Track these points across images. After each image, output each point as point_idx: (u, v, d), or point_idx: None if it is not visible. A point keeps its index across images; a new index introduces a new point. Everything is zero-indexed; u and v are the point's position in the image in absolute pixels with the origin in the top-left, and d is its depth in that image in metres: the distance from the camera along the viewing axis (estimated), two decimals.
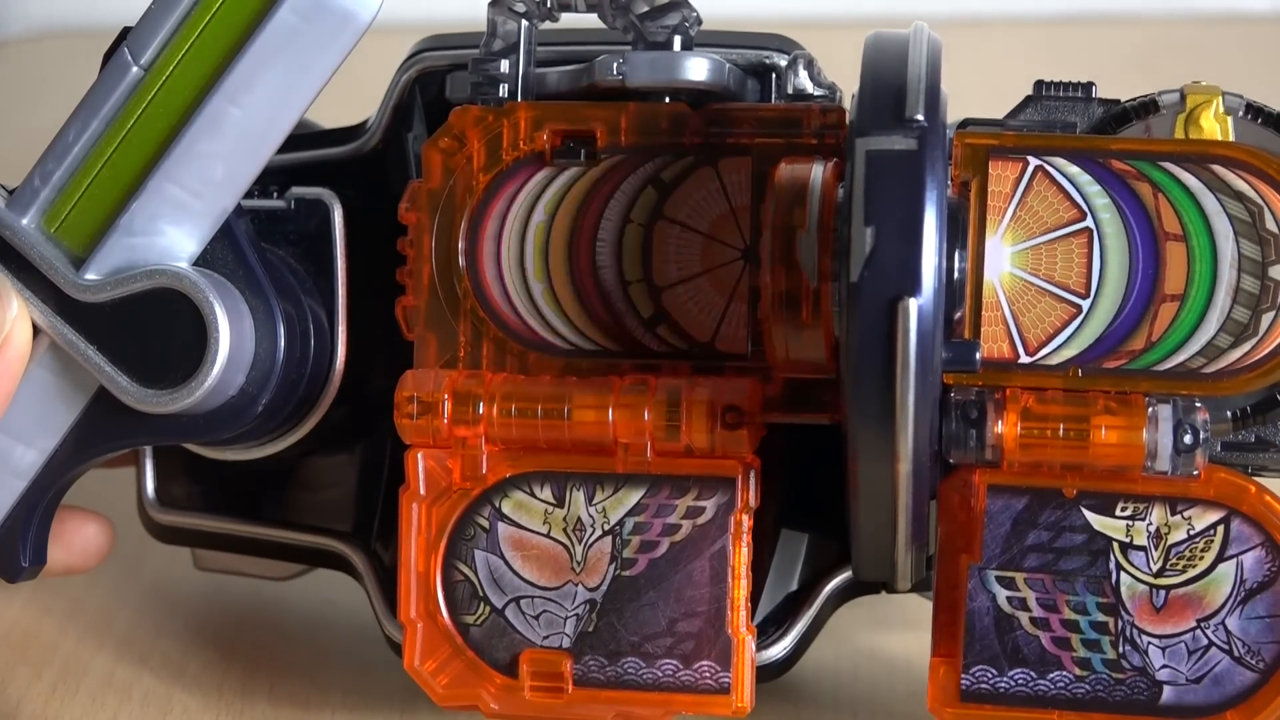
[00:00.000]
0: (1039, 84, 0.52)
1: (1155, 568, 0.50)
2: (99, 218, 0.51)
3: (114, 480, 0.61)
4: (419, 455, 0.52)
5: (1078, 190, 0.50)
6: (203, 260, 0.52)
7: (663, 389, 0.51)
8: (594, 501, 0.52)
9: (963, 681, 0.51)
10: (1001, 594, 0.51)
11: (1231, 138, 0.51)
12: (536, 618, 0.52)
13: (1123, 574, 0.50)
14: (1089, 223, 0.50)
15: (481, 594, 0.52)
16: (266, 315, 0.52)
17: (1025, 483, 0.50)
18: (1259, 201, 0.49)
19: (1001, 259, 0.50)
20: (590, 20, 0.54)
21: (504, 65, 0.53)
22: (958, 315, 0.50)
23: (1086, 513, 0.50)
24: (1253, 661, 0.50)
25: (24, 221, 0.51)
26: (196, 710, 0.57)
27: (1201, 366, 0.50)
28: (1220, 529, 0.50)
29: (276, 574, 0.60)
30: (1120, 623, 0.50)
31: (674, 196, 0.53)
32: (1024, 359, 0.50)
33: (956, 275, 0.49)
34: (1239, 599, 0.50)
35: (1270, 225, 0.49)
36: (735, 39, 0.54)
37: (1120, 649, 0.50)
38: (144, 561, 0.64)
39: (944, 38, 0.50)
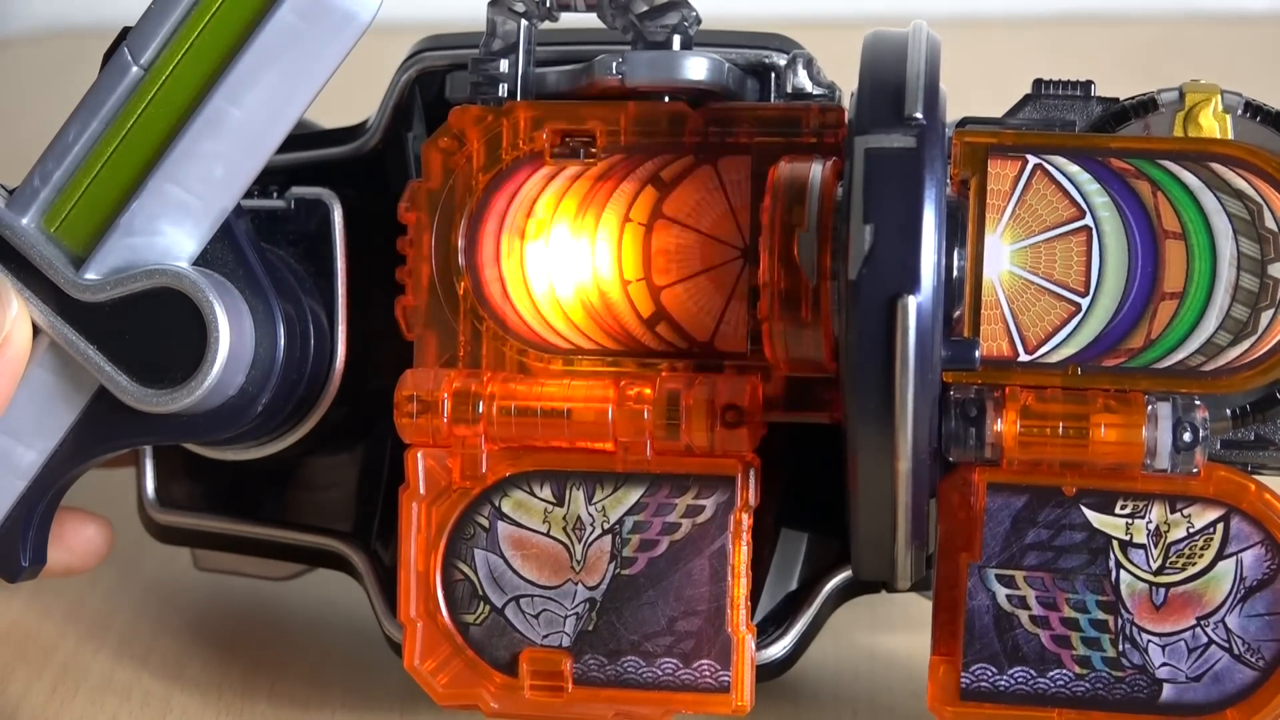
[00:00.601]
0: (1038, 82, 0.52)
1: (1155, 566, 0.50)
2: (99, 217, 0.51)
3: (114, 480, 0.62)
4: (419, 455, 0.52)
5: (1077, 188, 0.50)
6: (202, 260, 0.52)
7: (662, 388, 0.51)
8: (594, 500, 0.52)
9: (962, 680, 0.51)
10: (1001, 592, 0.51)
11: (1230, 136, 0.51)
12: (536, 617, 0.52)
13: (1122, 572, 0.50)
14: (1088, 221, 0.50)
15: (481, 593, 0.52)
16: (266, 315, 0.52)
17: (1025, 481, 0.50)
18: (1258, 199, 0.49)
19: (1001, 257, 0.50)
20: (590, 20, 0.54)
21: (503, 65, 0.53)
22: (957, 313, 0.50)
23: (1086, 511, 0.50)
24: (1252, 659, 0.50)
25: (24, 221, 0.51)
26: (196, 710, 0.57)
27: (1201, 364, 0.50)
28: (1220, 527, 0.50)
29: (276, 574, 0.60)
30: (1120, 621, 0.50)
31: (673, 195, 0.53)
32: (1023, 357, 0.50)
33: (956, 273, 0.49)
34: (1239, 597, 0.50)
35: (1269, 223, 0.49)
36: (734, 38, 0.54)
37: (1120, 647, 0.50)
38: (144, 561, 0.64)
39: (944, 37, 0.50)
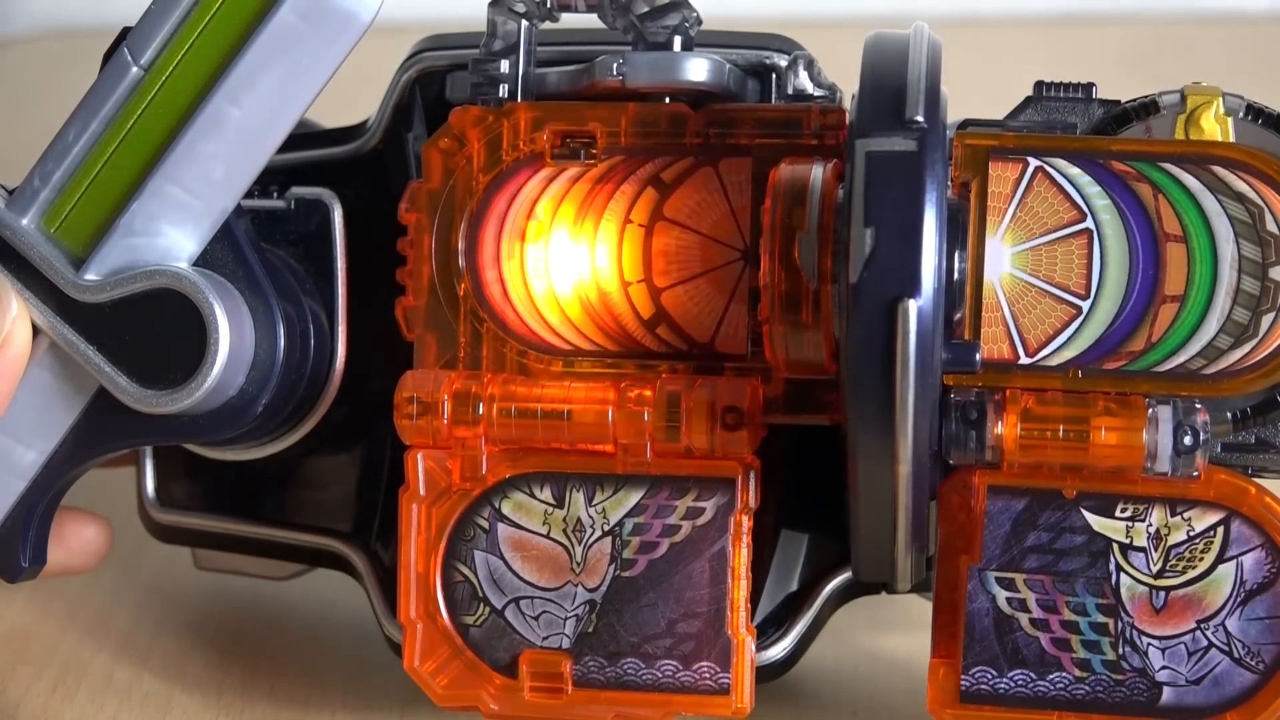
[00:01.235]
0: (1039, 85, 0.52)
1: (1155, 569, 0.50)
2: (99, 218, 0.51)
3: (114, 480, 0.62)
4: (419, 456, 0.52)
5: (1078, 191, 0.50)
6: (202, 260, 0.52)
7: (662, 390, 0.51)
8: (594, 502, 0.52)
9: (962, 682, 0.51)
10: (1001, 595, 0.51)
11: (1232, 139, 0.51)
12: (536, 618, 0.52)
13: (1122, 575, 0.50)
14: (1089, 224, 0.50)
15: (481, 595, 0.52)
16: (266, 316, 0.52)
17: (1025, 484, 0.50)
18: (1259, 203, 0.49)
19: (1001, 260, 0.50)
20: (590, 20, 0.53)
21: (504, 65, 0.53)
22: (958, 316, 0.50)
23: (1086, 514, 0.50)
24: (1252, 663, 0.50)
25: (24, 222, 0.51)
26: (196, 710, 0.57)
27: (1202, 368, 0.50)
28: (1220, 530, 0.50)
29: (276, 574, 0.60)
30: (1120, 624, 0.50)
31: (674, 197, 0.52)
32: (1024, 360, 0.50)
33: (956, 276, 0.49)
34: (1239, 600, 0.50)
35: (1270, 226, 0.49)
36: (735, 39, 0.54)
37: (1120, 650, 0.50)
38: (144, 561, 0.64)
39: (944, 38, 0.50)
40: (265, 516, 0.58)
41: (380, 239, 0.55)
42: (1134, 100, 0.52)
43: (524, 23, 0.53)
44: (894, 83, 0.47)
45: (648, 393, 0.51)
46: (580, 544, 0.52)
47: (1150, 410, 0.49)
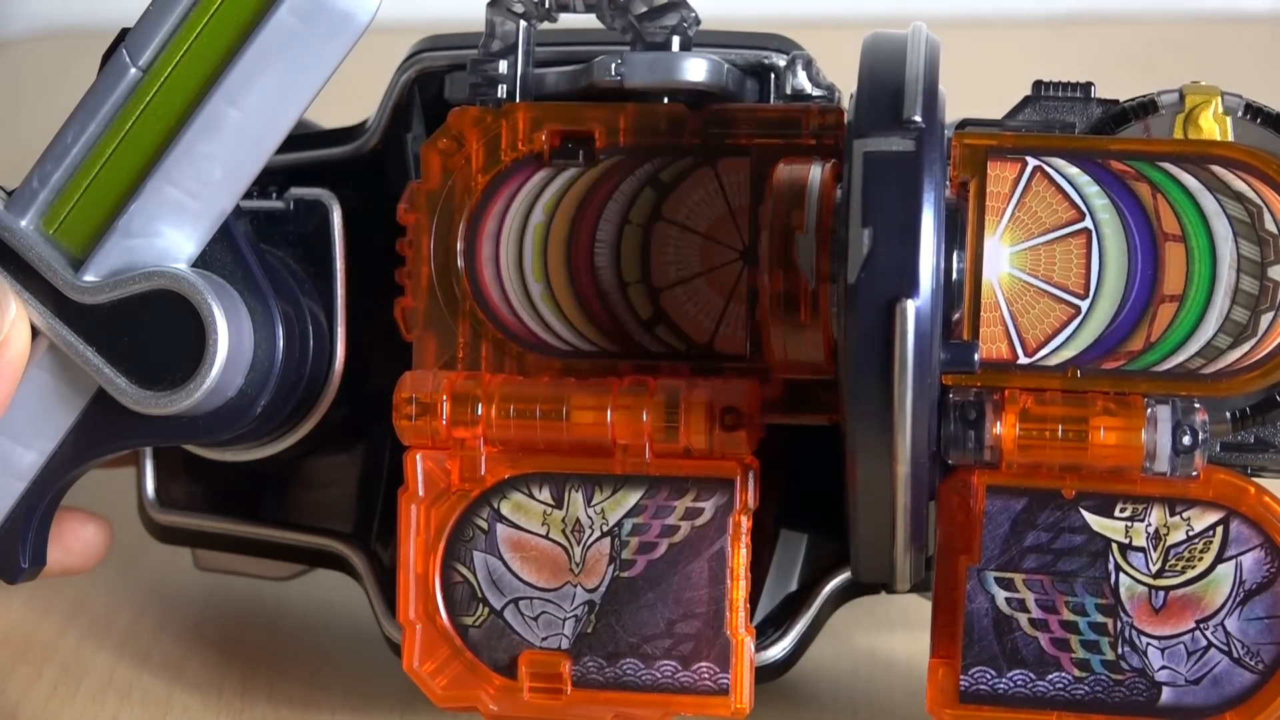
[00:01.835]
0: (1038, 84, 0.52)
1: (1154, 569, 0.50)
2: (97, 219, 0.51)
3: (114, 480, 0.62)
4: (418, 456, 0.52)
5: (1076, 191, 0.50)
6: (201, 262, 0.52)
7: (661, 390, 0.51)
8: (593, 503, 0.52)
9: (961, 683, 0.51)
10: (1000, 595, 0.51)
11: (1230, 138, 0.51)
12: (535, 619, 0.52)
13: (1122, 575, 0.50)
14: (1088, 223, 0.50)
15: (480, 595, 0.52)
16: (265, 317, 0.52)
17: (1024, 484, 0.50)
18: (1258, 202, 0.49)
19: (1000, 260, 0.50)
20: (589, 20, 0.53)
21: (502, 66, 0.53)
22: (956, 316, 0.50)
23: (1085, 514, 0.50)
24: (1252, 663, 0.50)
25: (23, 223, 0.51)
26: (196, 710, 0.57)
27: (1200, 367, 0.50)
28: (1219, 530, 0.50)
29: (276, 574, 0.60)
30: (1119, 624, 0.50)
31: (672, 197, 0.52)
32: (1023, 360, 0.50)
33: (955, 276, 0.49)
34: (1238, 600, 0.50)
35: (1269, 225, 0.49)
36: (734, 39, 0.54)
37: (1119, 650, 0.50)
38: (144, 561, 0.64)
39: (943, 37, 0.50)
40: (265, 517, 0.58)
41: (380, 239, 0.55)
42: (1132, 99, 0.52)
43: (522, 23, 0.53)
44: (892, 83, 0.47)
45: (647, 393, 0.51)
46: (579, 544, 0.52)
47: (1149, 410, 0.49)
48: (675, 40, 0.53)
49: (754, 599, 0.54)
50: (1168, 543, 0.50)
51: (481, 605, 0.52)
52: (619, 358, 0.53)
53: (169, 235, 0.51)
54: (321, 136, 0.58)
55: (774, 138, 0.52)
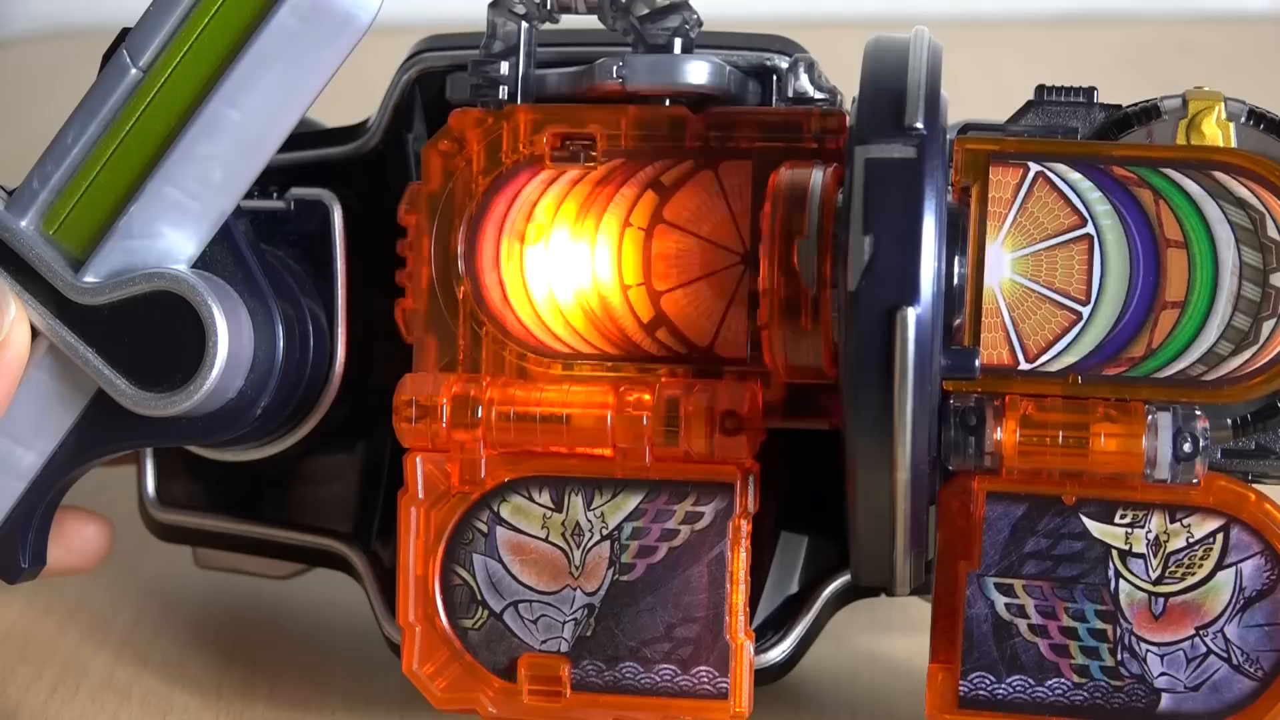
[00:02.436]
0: (1040, 89, 0.52)
1: (1154, 575, 0.50)
2: (97, 220, 0.51)
3: (114, 480, 0.62)
4: (418, 459, 0.52)
5: (1079, 196, 0.50)
6: (201, 262, 0.51)
7: (662, 394, 0.51)
8: (592, 506, 0.52)
9: (960, 688, 0.51)
10: (1000, 601, 0.50)
11: (1234, 144, 0.51)
12: (535, 622, 0.52)
13: (1121, 581, 0.50)
14: (1090, 229, 0.50)
15: (480, 598, 0.52)
16: (265, 317, 0.52)
17: (1024, 490, 0.50)
18: (1260, 208, 0.49)
19: (1002, 265, 0.50)
20: (590, 22, 0.53)
21: (504, 67, 0.53)
22: (957, 321, 0.49)
23: (1085, 520, 0.50)
24: (1251, 669, 0.50)
25: (23, 223, 0.51)
26: (196, 710, 0.57)
27: (1202, 374, 0.49)
28: (1219, 537, 0.50)
29: (276, 573, 0.60)
30: (1119, 630, 0.50)
31: (674, 200, 0.52)
32: (1024, 366, 0.50)
33: (956, 281, 0.49)
34: (1238, 607, 0.50)
35: (1272, 232, 0.49)
36: (736, 41, 0.54)
37: (1119, 656, 0.50)
38: (144, 561, 0.64)
39: (945, 39, 0.50)
40: (265, 516, 0.58)
41: (380, 240, 0.55)
42: (1135, 105, 0.51)
43: (524, 24, 0.53)
44: (894, 89, 0.47)
45: (647, 397, 0.51)
46: (579, 548, 0.52)
47: (1150, 417, 0.49)
48: (677, 42, 0.52)
49: (754, 601, 0.54)
50: (1168, 549, 0.50)
51: (481, 608, 0.52)
52: (619, 361, 0.53)
53: (169, 236, 0.51)
54: (322, 136, 0.58)
55: (776, 141, 0.52)
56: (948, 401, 0.49)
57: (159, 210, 0.51)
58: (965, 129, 0.51)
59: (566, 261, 0.53)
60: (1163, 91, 0.52)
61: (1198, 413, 0.49)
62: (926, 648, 0.51)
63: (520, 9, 0.53)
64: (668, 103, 0.53)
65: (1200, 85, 0.52)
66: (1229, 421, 0.51)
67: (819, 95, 0.53)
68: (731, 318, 0.52)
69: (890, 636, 0.60)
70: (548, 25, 0.53)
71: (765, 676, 0.54)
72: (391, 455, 0.56)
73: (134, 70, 0.51)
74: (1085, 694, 0.50)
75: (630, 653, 0.52)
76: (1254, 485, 0.50)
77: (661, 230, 0.52)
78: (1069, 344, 0.50)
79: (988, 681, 0.51)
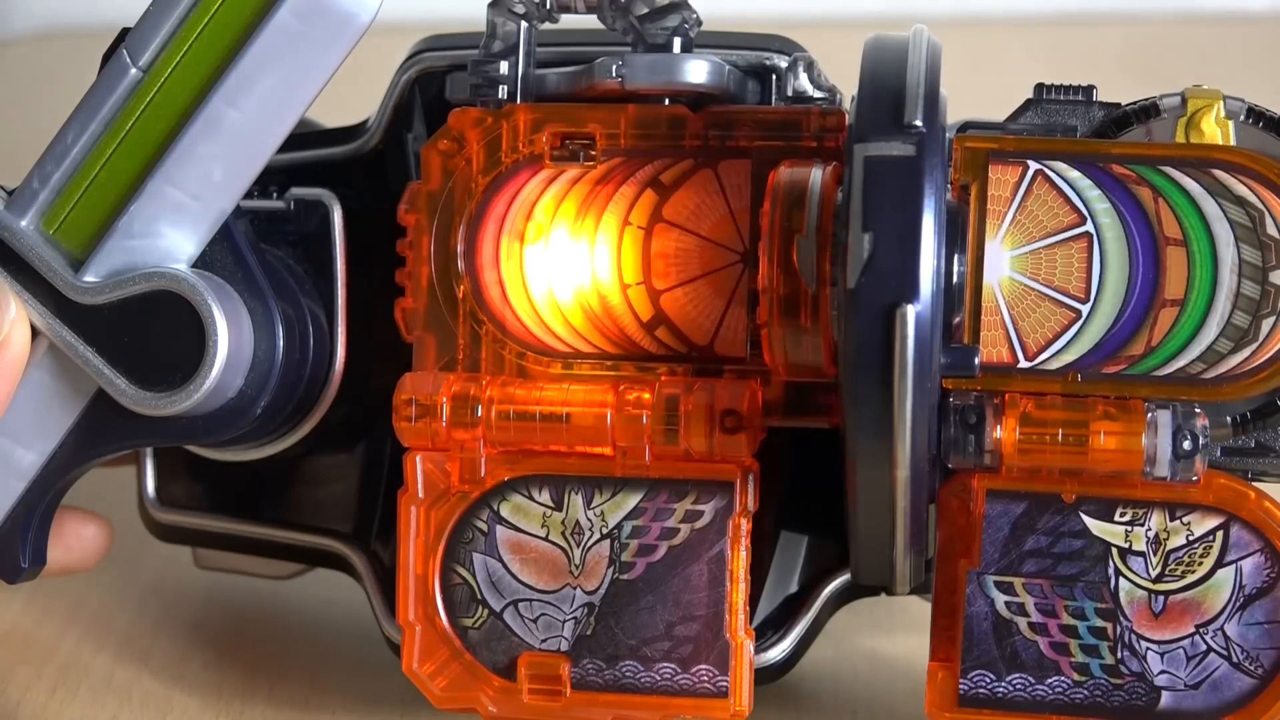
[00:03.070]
0: (1039, 87, 0.52)
1: (1154, 573, 0.50)
2: (97, 220, 0.51)
3: (114, 480, 0.62)
4: (417, 458, 0.52)
5: (1078, 194, 0.50)
6: (201, 262, 0.51)
7: (661, 393, 0.51)
8: (592, 505, 0.52)
9: (961, 686, 0.51)
10: (1000, 599, 0.50)
11: (1233, 142, 0.51)
12: (535, 621, 0.52)
13: (1121, 579, 0.50)
14: (1089, 227, 0.50)
15: (480, 597, 0.52)
16: (265, 317, 0.52)
17: (1024, 488, 0.50)
18: (1260, 206, 0.49)
19: (1001, 263, 0.50)
20: (590, 21, 0.53)
21: (503, 67, 0.53)
22: (957, 320, 0.50)
23: (1085, 518, 0.50)
24: (1251, 667, 0.50)
25: (23, 223, 0.51)
26: (196, 710, 0.57)
27: (1201, 372, 0.50)
28: (1219, 534, 0.50)
29: (276, 573, 0.60)
30: (1119, 628, 0.50)
31: (673, 199, 0.52)
32: (1023, 364, 0.50)
33: (955, 279, 0.49)
34: (1238, 604, 0.50)
35: (1271, 230, 0.49)
36: (735, 40, 0.54)
37: (1119, 654, 0.50)
38: (144, 561, 0.64)
39: (944, 38, 0.50)
40: (266, 516, 0.58)
41: (380, 240, 0.55)
42: (1134, 103, 0.52)
43: (523, 24, 0.53)
44: (893, 87, 0.47)
45: (646, 395, 0.51)
46: (579, 547, 0.52)
47: (1150, 414, 0.49)
48: (676, 41, 0.53)
49: (754, 600, 0.54)
50: (1168, 547, 0.50)
51: (481, 607, 0.52)
52: (619, 360, 0.53)
53: (169, 236, 0.51)
54: (322, 136, 0.58)
55: (775, 140, 0.52)
56: (947, 399, 0.49)
57: (159, 210, 0.51)
58: (964, 127, 0.51)
59: (566, 260, 0.53)
60: (1162, 90, 0.52)
61: (1197, 410, 0.49)
62: (926, 647, 0.51)
63: (520, 9, 0.53)
64: (667, 102, 0.53)
65: (1199, 83, 0.52)
66: (1228, 419, 0.51)
67: (818, 94, 0.53)
68: (731, 316, 0.52)
69: (890, 636, 0.60)
70: (547, 25, 0.54)
71: (765, 675, 0.54)
72: (391, 455, 0.56)
73: (134, 70, 0.51)
74: (1085, 692, 0.50)
75: (630, 651, 0.52)
76: (1254, 483, 0.50)
77: (661, 229, 0.52)
78: (1068, 342, 0.50)
79: (988, 680, 0.51)
